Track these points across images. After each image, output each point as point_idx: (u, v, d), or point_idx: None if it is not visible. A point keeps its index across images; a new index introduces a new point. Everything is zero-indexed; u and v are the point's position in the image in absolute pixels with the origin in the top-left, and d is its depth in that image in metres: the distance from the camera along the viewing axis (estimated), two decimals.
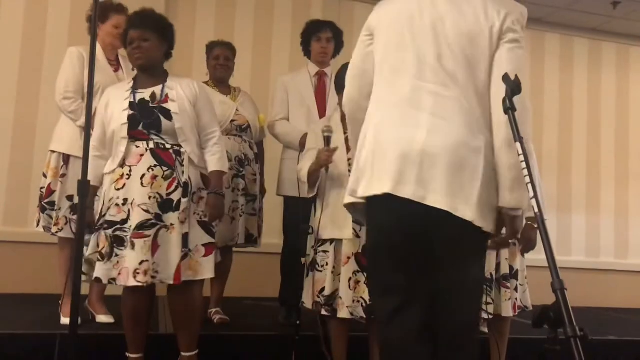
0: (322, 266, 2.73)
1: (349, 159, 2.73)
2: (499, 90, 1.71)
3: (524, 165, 1.53)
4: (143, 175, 2.48)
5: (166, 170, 2.52)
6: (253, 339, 3.12)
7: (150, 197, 2.46)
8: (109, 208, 2.49)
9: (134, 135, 2.53)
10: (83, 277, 2.46)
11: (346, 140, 2.77)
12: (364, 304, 2.63)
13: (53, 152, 3.14)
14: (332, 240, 2.72)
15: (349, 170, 2.72)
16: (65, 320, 2.99)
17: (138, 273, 2.41)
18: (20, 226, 4.11)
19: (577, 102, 5.80)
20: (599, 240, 5.72)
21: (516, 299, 2.87)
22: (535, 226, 2.79)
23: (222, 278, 3.30)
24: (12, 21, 4.37)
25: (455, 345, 1.78)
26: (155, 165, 2.50)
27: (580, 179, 5.72)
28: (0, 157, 4.26)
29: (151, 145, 2.53)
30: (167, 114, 2.56)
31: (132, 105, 2.56)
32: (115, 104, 2.59)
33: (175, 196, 2.51)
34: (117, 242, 2.45)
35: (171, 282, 2.47)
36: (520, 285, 2.91)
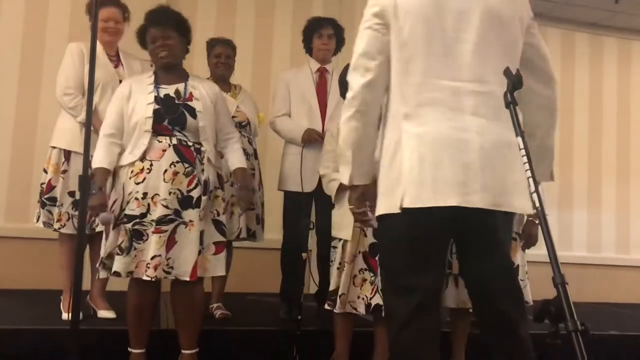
0: (331, 261, 2.80)
1: None
2: (537, 88, 1.85)
3: (525, 160, 1.52)
4: (165, 171, 2.50)
5: (187, 167, 2.53)
6: (254, 334, 3.12)
7: (170, 193, 2.48)
8: (128, 202, 2.49)
9: (157, 130, 2.54)
10: (103, 274, 2.51)
11: None
12: (366, 302, 2.65)
13: (54, 147, 3.14)
14: (339, 238, 2.76)
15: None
16: (66, 316, 3.00)
17: (149, 267, 2.43)
18: (21, 222, 4.12)
19: (579, 97, 5.79)
20: (600, 235, 5.72)
21: None
22: (537, 222, 2.79)
23: None
24: (13, 17, 4.36)
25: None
26: (177, 162, 2.52)
27: (582, 174, 5.71)
28: (1, 153, 4.25)
29: (174, 141, 2.55)
30: (192, 112, 2.60)
31: (157, 100, 2.57)
32: (138, 96, 2.60)
33: (195, 193, 2.52)
34: (136, 235, 2.46)
35: (187, 279, 2.48)
36: (521, 280, 2.91)
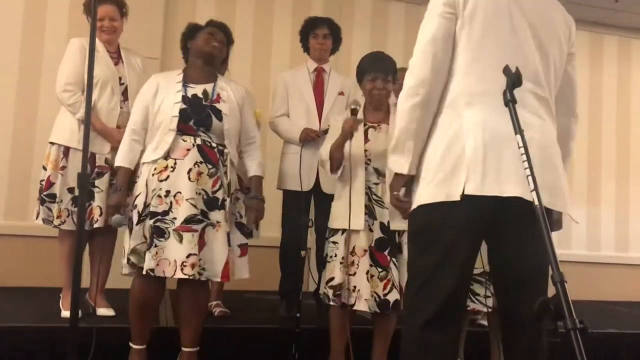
0: (331, 257, 2.75)
1: (365, 150, 2.75)
2: (576, 112, 1.98)
3: (524, 157, 1.52)
4: (190, 170, 2.50)
5: (211, 168, 2.55)
6: (253, 331, 3.13)
7: (197, 193, 2.49)
8: (152, 198, 2.50)
9: (182, 129, 2.55)
10: (127, 270, 2.52)
11: (365, 132, 2.79)
12: (377, 299, 2.64)
13: (52, 144, 3.13)
14: (343, 231, 2.73)
15: (367, 163, 2.74)
16: (65, 314, 3.00)
17: (185, 266, 2.42)
18: (20, 219, 4.11)
19: (579, 95, 5.77)
20: (599, 233, 5.72)
21: None
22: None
23: None
24: (12, 14, 4.36)
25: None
26: (201, 162, 2.53)
27: (581, 172, 5.71)
28: (1, 150, 4.25)
29: (198, 141, 2.56)
30: (218, 114, 2.62)
31: (184, 99, 2.59)
32: (165, 94, 2.61)
33: (220, 195, 2.54)
34: (157, 232, 2.45)
35: (219, 280, 2.51)
36: None
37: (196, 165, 2.52)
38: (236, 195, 2.66)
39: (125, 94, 3.18)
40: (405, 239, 2.71)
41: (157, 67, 4.28)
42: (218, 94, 2.68)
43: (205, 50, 2.71)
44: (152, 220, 2.47)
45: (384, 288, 2.64)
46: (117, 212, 2.52)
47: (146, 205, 2.51)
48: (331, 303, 2.69)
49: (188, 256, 2.43)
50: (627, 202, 5.81)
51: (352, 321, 2.81)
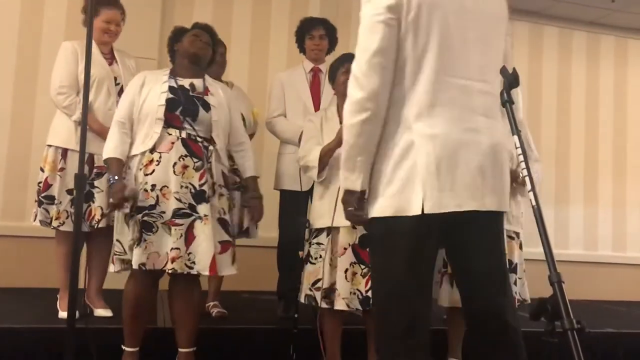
0: (316, 258, 2.72)
1: None
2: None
3: (521, 158, 1.53)
4: (175, 164, 2.51)
5: (197, 162, 2.55)
6: (251, 332, 3.12)
7: (182, 187, 2.49)
8: (139, 193, 2.50)
9: (169, 120, 2.55)
10: (118, 266, 2.55)
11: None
12: (360, 296, 2.63)
13: (50, 146, 3.13)
14: (328, 231, 2.71)
15: None
16: (63, 314, 3.00)
17: (169, 260, 2.44)
18: (18, 220, 4.11)
19: (575, 95, 5.80)
20: (596, 233, 5.73)
21: (516, 292, 2.88)
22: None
23: None
24: (8, 15, 4.35)
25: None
26: (185, 155, 2.53)
27: (578, 172, 5.72)
28: None
29: (183, 134, 2.56)
30: (206, 105, 2.63)
31: (172, 89, 2.60)
32: (151, 85, 2.62)
33: (206, 188, 2.54)
34: (145, 227, 2.46)
35: (207, 273, 2.51)
36: (519, 278, 2.91)
37: (181, 159, 2.52)
38: (220, 191, 2.64)
39: (121, 93, 3.17)
40: None
41: (154, 67, 4.25)
42: (207, 88, 2.71)
43: (191, 50, 2.73)
44: (140, 215, 2.47)
45: (366, 284, 2.63)
46: (121, 200, 2.48)
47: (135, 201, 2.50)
48: (323, 305, 2.67)
49: (171, 249, 2.44)
50: (624, 201, 5.82)
51: (345, 321, 2.80)
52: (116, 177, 2.51)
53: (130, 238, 2.48)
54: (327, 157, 2.74)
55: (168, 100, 2.56)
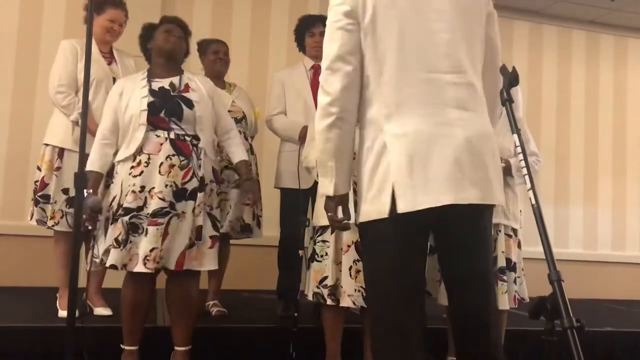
0: (322, 256, 2.73)
1: None
2: (497, 80, 1.72)
3: (521, 156, 1.53)
4: (161, 164, 2.51)
5: (183, 160, 2.55)
6: (251, 331, 3.12)
7: (166, 186, 2.50)
8: (126, 195, 2.50)
9: (155, 123, 2.55)
10: (94, 267, 2.56)
11: None
12: (364, 294, 2.63)
13: (47, 145, 3.12)
14: (332, 229, 2.72)
15: (352, 157, 2.74)
16: (62, 313, 3.00)
17: (148, 260, 2.43)
18: (16, 219, 4.10)
19: (575, 94, 5.80)
20: (596, 232, 5.73)
21: (515, 291, 2.88)
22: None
23: (219, 270, 3.29)
24: (7, 14, 4.35)
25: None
26: (173, 155, 2.54)
27: (578, 171, 5.73)
28: None
29: (171, 135, 2.56)
30: (188, 102, 2.63)
31: (152, 93, 2.59)
32: (130, 92, 2.61)
33: (190, 186, 2.54)
34: (132, 228, 2.46)
35: (172, 268, 2.50)
36: (518, 277, 2.91)
37: (168, 159, 2.52)
38: (211, 186, 2.65)
39: None
40: None
41: None
42: (186, 84, 2.69)
43: (166, 47, 2.72)
44: (127, 217, 2.47)
45: None
46: (95, 217, 2.48)
47: (120, 205, 2.51)
48: (329, 302, 2.68)
49: (152, 250, 2.44)
50: (623, 200, 5.82)
51: (345, 320, 2.80)
52: (87, 192, 2.39)
53: (114, 239, 2.47)
54: None
55: (150, 104, 2.56)
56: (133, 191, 2.49)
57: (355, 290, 2.63)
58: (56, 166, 3.08)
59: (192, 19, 4.68)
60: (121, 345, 2.58)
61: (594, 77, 5.85)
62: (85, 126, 2.12)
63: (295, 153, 3.35)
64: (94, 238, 2.58)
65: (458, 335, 1.81)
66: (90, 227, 2.47)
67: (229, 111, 3.33)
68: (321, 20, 3.57)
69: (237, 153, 2.82)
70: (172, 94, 2.62)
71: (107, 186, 2.83)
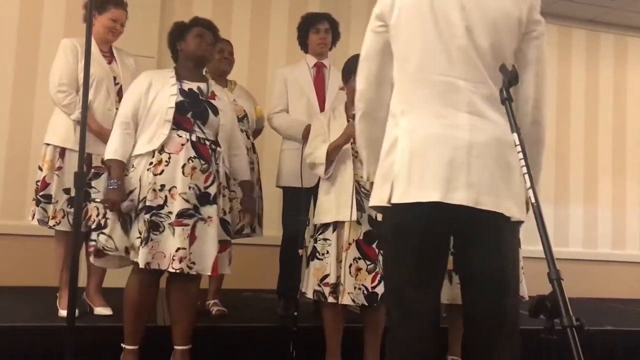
0: (323, 254, 2.74)
1: (352, 143, 2.76)
2: (529, 90, 1.80)
3: (521, 156, 1.53)
4: (184, 165, 2.53)
5: (204, 164, 2.57)
6: (251, 330, 3.12)
7: (189, 188, 2.51)
8: (147, 192, 2.50)
9: (179, 122, 2.57)
10: (107, 264, 2.54)
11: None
12: (365, 292, 2.64)
13: (48, 144, 3.12)
14: (334, 227, 2.73)
15: (354, 155, 2.76)
16: (62, 313, 3.00)
17: (174, 260, 2.45)
18: (17, 219, 4.11)
19: (575, 93, 5.80)
20: (596, 231, 5.73)
21: None
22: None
23: None
24: (7, 13, 4.35)
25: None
26: (194, 157, 2.56)
27: (578, 170, 5.73)
28: None
29: (193, 137, 2.58)
30: (215, 109, 2.67)
31: (182, 92, 2.62)
32: (159, 87, 2.62)
33: (212, 190, 2.57)
34: (153, 227, 2.47)
35: (209, 274, 2.55)
36: None
37: (190, 161, 2.54)
38: (223, 192, 2.67)
39: (120, 93, 3.17)
40: None
41: (153, 66, 4.27)
42: (213, 92, 2.73)
43: (198, 54, 2.73)
44: (148, 215, 2.48)
45: (372, 281, 2.65)
46: (117, 206, 2.49)
47: (140, 199, 2.52)
48: (330, 300, 2.68)
49: (177, 250, 2.45)
50: (623, 199, 5.82)
51: (345, 319, 2.81)
52: (116, 182, 2.50)
53: (137, 237, 2.48)
54: (334, 153, 2.77)
55: (178, 103, 2.58)
56: (154, 189, 2.50)
57: (355, 288, 2.65)
58: (57, 166, 3.08)
59: (192, 17, 4.69)
60: (122, 344, 2.58)
61: (594, 76, 5.86)
62: (85, 127, 2.12)
63: (297, 152, 3.34)
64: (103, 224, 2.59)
65: (469, 334, 1.82)
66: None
67: None
68: (326, 17, 3.57)
69: (242, 172, 2.89)
70: (200, 98, 2.66)
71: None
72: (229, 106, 2.78)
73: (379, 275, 2.65)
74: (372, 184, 1.95)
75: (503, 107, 1.70)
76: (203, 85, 2.72)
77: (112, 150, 2.57)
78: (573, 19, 5.71)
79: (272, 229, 3.65)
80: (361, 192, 2.75)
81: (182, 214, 2.48)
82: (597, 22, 5.78)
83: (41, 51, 4.30)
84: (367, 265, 2.66)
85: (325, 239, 2.75)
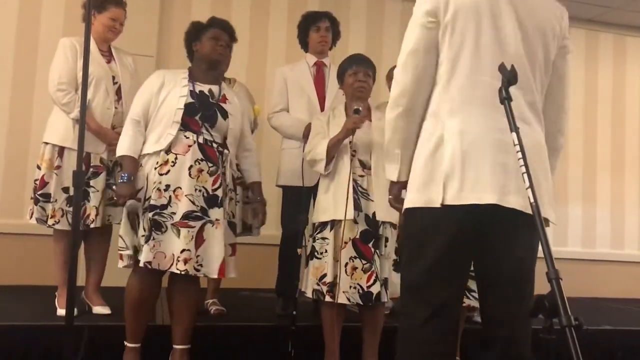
0: (321, 253, 2.74)
1: (350, 142, 2.77)
2: (564, 100, 1.89)
3: (519, 155, 1.53)
4: (190, 167, 2.52)
5: (211, 167, 2.57)
6: (250, 329, 3.12)
7: (196, 190, 2.51)
8: (152, 192, 2.51)
9: (187, 124, 2.57)
10: (126, 261, 2.53)
11: None
12: (360, 291, 2.64)
13: (47, 143, 3.12)
14: (331, 226, 2.73)
15: (352, 154, 2.76)
16: (61, 312, 3.00)
17: (179, 260, 2.45)
18: (16, 218, 4.11)
19: (574, 93, 5.72)
20: (595, 230, 5.74)
21: None
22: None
23: None
24: (6, 12, 4.34)
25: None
26: (201, 159, 2.56)
27: (577, 170, 5.73)
28: None
29: (200, 139, 2.58)
30: (224, 113, 2.66)
31: (192, 94, 2.62)
32: (171, 87, 2.62)
33: (219, 192, 2.56)
34: (156, 226, 2.47)
35: (216, 276, 2.54)
36: None
37: (197, 163, 2.54)
38: (230, 195, 2.67)
39: (118, 93, 3.18)
40: (388, 231, 2.76)
41: (152, 65, 4.27)
42: (224, 95, 2.73)
43: (212, 57, 2.73)
44: (151, 214, 2.48)
45: (368, 280, 2.65)
46: (125, 200, 2.51)
47: (146, 198, 2.52)
48: (327, 299, 2.69)
49: (182, 251, 2.45)
50: (622, 199, 5.83)
51: (344, 318, 2.81)
52: (127, 177, 2.51)
53: (143, 235, 2.49)
54: (334, 148, 2.77)
55: (187, 105, 2.58)
56: (158, 189, 2.50)
57: (350, 287, 2.65)
58: (56, 165, 3.08)
59: (190, 16, 4.68)
60: (124, 342, 2.58)
61: (593, 76, 5.86)
62: (84, 125, 2.11)
63: (297, 151, 3.33)
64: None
65: (487, 334, 1.83)
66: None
67: None
68: (327, 15, 3.57)
69: (253, 173, 2.89)
70: (210, 100, 2.65)
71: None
72: (239, 110, 2.77)
73: (374, 275, 2.65)
74: (403, 182, 1.90)
75: (541, 114, 1.83)
76: (215, 88, 2.71)
77: (124, 147, 2.58)
78: (572, 18, 5.60)
79: (271, 228, 3.64)
80: (358, 190, 2.75)
81: (187, 216, 2.48)
82: (596, 22, 5.78)
83: (40, 50, 4.30)
84: (363, 264, 2.66)
85: (323, 238, 2.75)
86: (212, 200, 2.54)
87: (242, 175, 3.35)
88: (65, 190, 3.06)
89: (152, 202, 2.49)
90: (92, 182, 3.06)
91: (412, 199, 1.81)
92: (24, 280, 3.98)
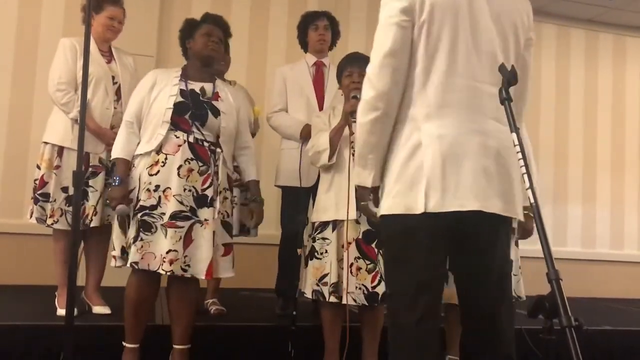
0: (321, 253, 2.73)
1: (351, 142, 2.74)
2: (527, 93, 1.90)
3: (520, 155, 1.53)
4: (180, 167, 2.51)
5: (202, 166, 2.55)
6: (249, 329, 3.12)
7: (185, 190, 2.50)
8: (141, 192, 2.51)
9: (177, 123, 2.55)
10: (120, 262, 2.53)
11: (349, 125, 2.78)
12: (365, 292, 2.64)
13: (46, 143, 3.12)
14: (333, 226, 2.72)
15: (352, 154, 2.75)
16: (61, 312, 3.00)
17: (164, 261, 2.44)
18: (16, 218, 4.10)
19: (574, 93, 5.80)
20: (594, 230, 5.74)
21: (512, 289, 2.88)
22: (531, 215, 2.81)
23: None
24: (6, 12, 4.34)
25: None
26: (191, 159, 2.54)
27: (577, 170, 5.73)
28: None
29: (190, 138, 2.56)
30: (215, 111, 2.63)
31: (182, 93, 2.60)
32: (162, 87, 2.62)
33: (209, 192, 2.54)
34: (144, 226, 2.46)
35: (202, 277, 2.51)
36: (514, 275, 2.91)
37: (187, 162, 2.53)
38: (225, 194, 2.65)
39: (118, 93, 3.17)
40: None
41: (152, 65, 4.27)
42: (217, 93, 2.70)
43: (204, 53, 2.72)
44: (140, 214, 2.48)
45: (372, 280, 2.64)
46: (122, 203, 2.51)
47: (137, 199, 2.52)
48: (332, 300, 2.68)
49: (168, 252, 2.44)
50: (622, 199, 5.83)
51: (343, 318, 2.80)
52: (119, 180, 2.52)
53: (132, 236, 2.48)
54: (337, 137, 2.74)
55: (177, 104, 2.56)
56: (147, 189, 2.49)
57: (356, 287, 2.64)
58: (55, 165, 3.08)
59: (191, 15, 4.66)
60: (123, 342, 2.58)
61: (593, 76, 5.86)
62: (84, 125, 2.11)
63: (297, 151, 3.34)
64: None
65: (468, 334, 1.84)
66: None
67: None
68: (326, 14, 3.57)
69: (250, 171, 2.85)
70: (201, 99, 2.63)
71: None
72: (233, 108, 2.73)
73: (378, 275, 2.65)
74: (375, 188, 1.86)
75: (517, 114, 1.77)
76: (208, 86, 2.69)
77: (117, 149, 2.59)
78: (572, 18, 5.71)
79: (271, 228, 3.65)
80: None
81: (175, 216, 2.47)
82: (595, 22, 5.78)
83: (40, 50, 4.30)
84: (367, 264, 2.65)
85: (324, 238, 2.74)
86: (201, 200, 2.52)
87: (240, 177, 3.36)
88: (65, 190, 3.06)
89: (141, 202, 2.49)
90: (90, 182, 3.06)
91: (390, 206, 1.77)
92: (24, 280, 3.98)
